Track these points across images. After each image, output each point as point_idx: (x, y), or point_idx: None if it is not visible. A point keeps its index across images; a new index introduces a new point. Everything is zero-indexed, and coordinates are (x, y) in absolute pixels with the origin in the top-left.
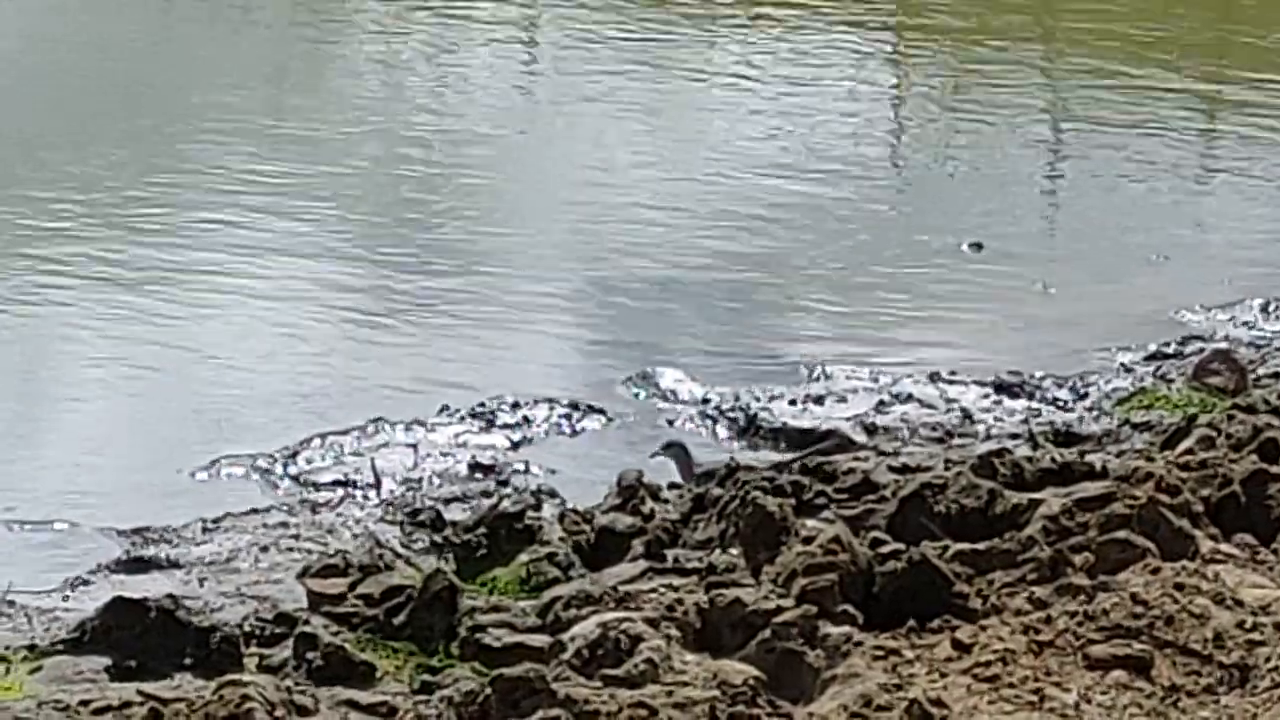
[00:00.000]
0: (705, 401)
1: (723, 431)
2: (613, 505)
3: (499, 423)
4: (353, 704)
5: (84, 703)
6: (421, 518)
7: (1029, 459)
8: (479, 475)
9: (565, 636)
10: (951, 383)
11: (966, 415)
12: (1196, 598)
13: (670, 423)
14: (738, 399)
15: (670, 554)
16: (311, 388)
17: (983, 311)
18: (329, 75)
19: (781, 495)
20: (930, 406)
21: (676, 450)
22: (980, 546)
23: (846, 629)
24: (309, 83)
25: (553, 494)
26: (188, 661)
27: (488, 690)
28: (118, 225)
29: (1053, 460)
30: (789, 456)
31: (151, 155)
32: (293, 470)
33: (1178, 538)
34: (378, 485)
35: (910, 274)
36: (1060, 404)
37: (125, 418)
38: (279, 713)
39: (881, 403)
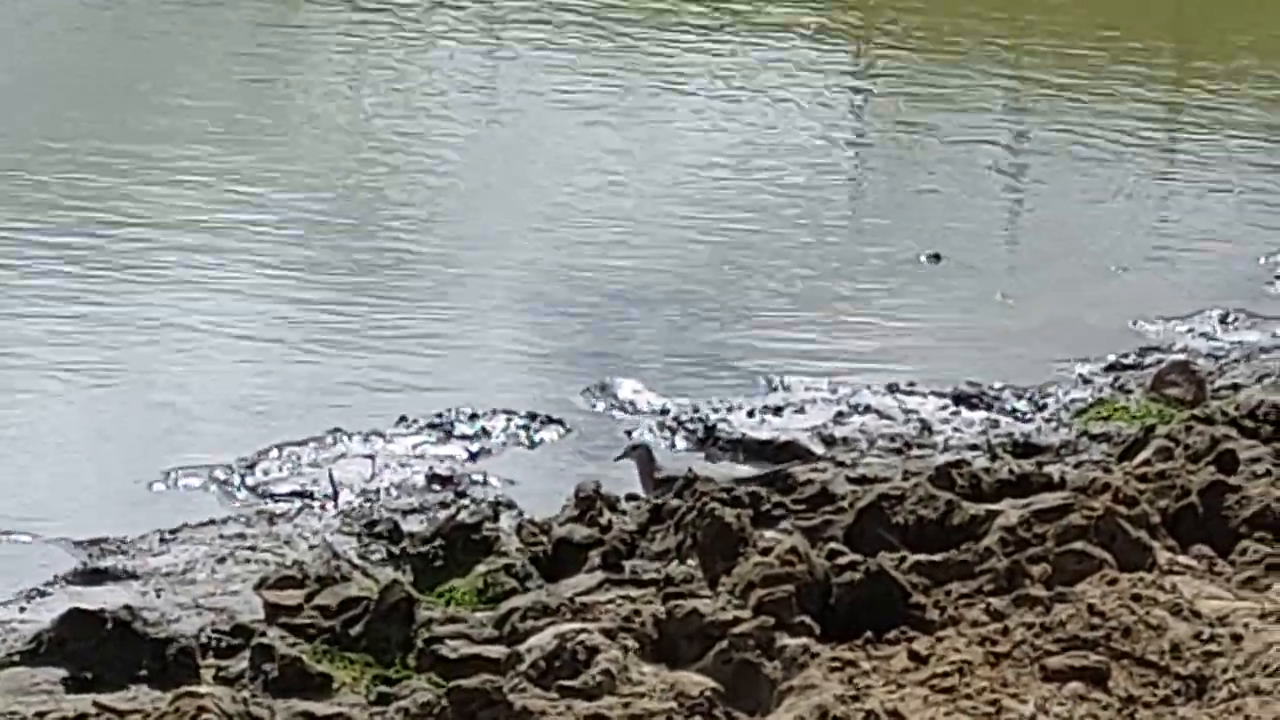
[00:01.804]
0: (664, 412)
1: (681, 442)
2: (570, 516)
3: (457, 434)
4: (309, 715)
5: (40, 714)
6: (379, 529)
7: (987, 470)
8: (436, 486)
9: (522, 648)
10: (910, 394)
11: (925, 426)
12: (1154, 609)
13: (629, 433)
14: (696, 410)
15: (627, 565)
16: (269, 398)
17: (941, 323)
18: (290, 89)
19: (739, 506)
20: (888, 418)
21: (640, 452)
22: (938, 558)
23: (803, 640)
24: (270, 96)
25: (510, 505)
26: (144, 673)
27: (444, 701)
28: (75, 235)
29: (1011, 471)
30: (750, 473)
31: (109, 163)
32: (250, 481)
33: (1135, 549)
34: (335, 496)
35: (869, 285)
36: (1019, 415)
37: (82, 429)
38: None
39: (840, 414)
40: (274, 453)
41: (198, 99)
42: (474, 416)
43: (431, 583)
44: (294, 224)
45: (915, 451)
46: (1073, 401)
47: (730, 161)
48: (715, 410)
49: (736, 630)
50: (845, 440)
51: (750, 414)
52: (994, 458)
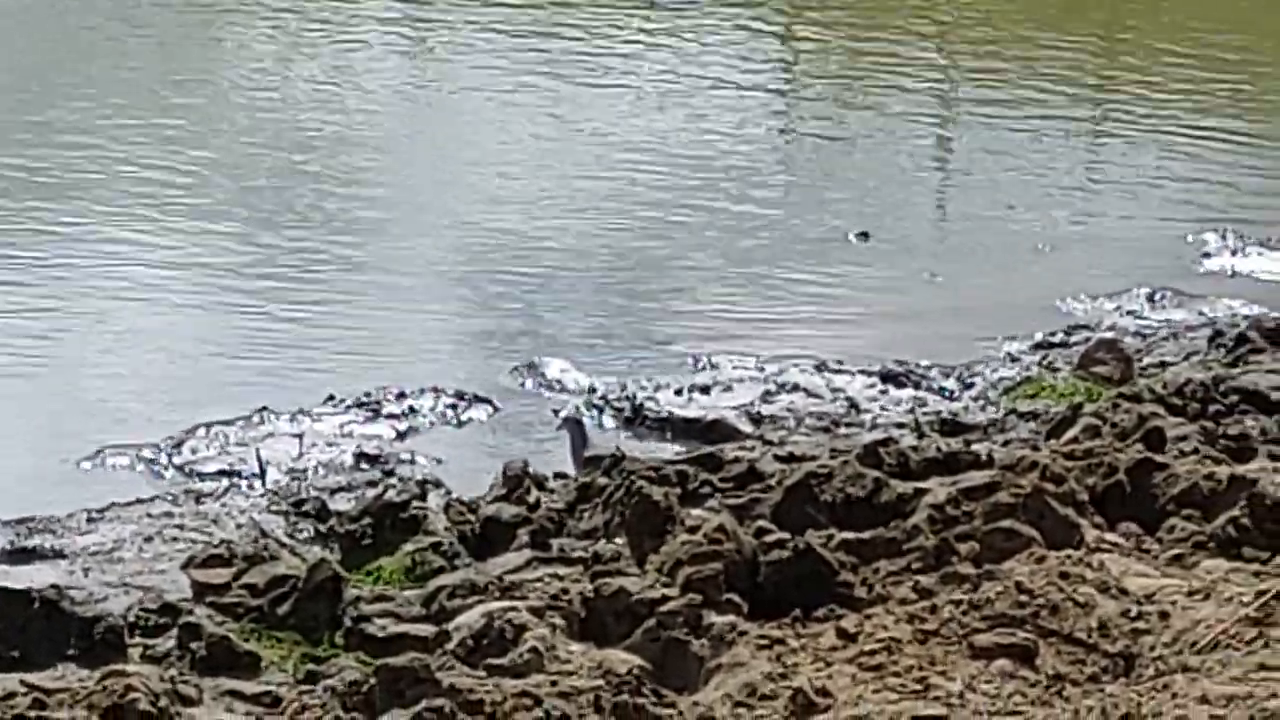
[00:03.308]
0: (591, 391)
1: (609, 421)
2: (498, 495)
3: (385, 412)
4: (237, 694)
5: None
6: (306, 507)
7: (914, 448)
8: (364, 465)
9: (450, 626)
10: (838, 372)
11: (852, 405)
12: (1081, 586)
13: (556, 412)
14: (624, 389)
15: (555, 543)
16: (196, 378)
17: (869, 301)
18: (214, 64)
19: (666, 484)
20: (816, 396)
21: (572, 425)
22: (865, 535)
23: (731, 618)
24: (194, 71)
25: (438, 484)
26: (71, 652)
27: (372, 680)
28: None
29: (938, 449)
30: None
31: (26, 144)
32: (177, 460)
33: (1063, 527)
34: (263, 475)
35: (797, 263)
36: (946, 393)
37: (8, 408)
38: (163, 703)
39: (767, 392)
40: (201, 432)
41: (118, 76)
42: (402, 395)
43: (359, 561)
44: (218, 202)
45: (843, 430)
46: (1000, 380)
47: (659, 141)
48: (643, 389)
49: (664, 608)
50: (773, 418)
51: (678, 392)
52: (921, 436)
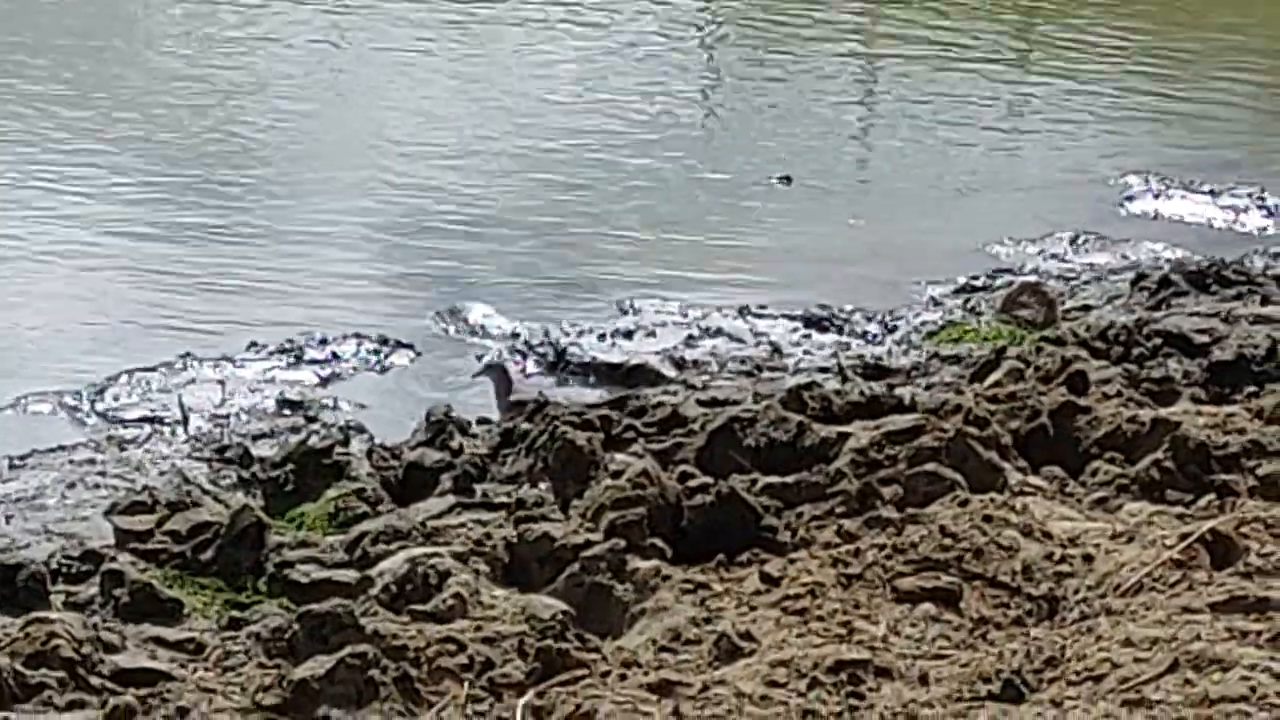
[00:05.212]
0: (514, 336)
1: (532, 366)
2: (421, 440)
3: (307, 358)
4: (160, 640)
5: None
6: (229, 454)
7: (838, 392)
8: (287, 411)
9: (373, 572)
10: (760, 316)
11: (775, 349)
12: (1005, 530)
13: (479, 358)
14: (547, 334)
15: (479, 489)
16: (118, 324)
17: (792, 245)
18: (126, 22)
19: (590, 429)
20: (739, 340)
21: (496, 371)
22: (789, 480)
23: (655, 563)
24: (105, 28)
25: (361, 429)
26: None
27: (295, 626)
28: None
29: (861, 393)
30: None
31: None
32: (100, 407)
33: (986, 470)
34: (185, 422)
35: (719, 208)
36: (869, 337)
37: None
38: (86, 650)
39: (691, 337)
40: (124, 378)
41: (36, 37)
42: (324, 341)
43: (282, 507)
44: (139, 152)
45: (766, 374)
46: (923, 324)
47: (580, 87)
48: (566, 334)
49: (588, 553)
50: (696, 363)
51: (601, 337)
52: (845, 380)
